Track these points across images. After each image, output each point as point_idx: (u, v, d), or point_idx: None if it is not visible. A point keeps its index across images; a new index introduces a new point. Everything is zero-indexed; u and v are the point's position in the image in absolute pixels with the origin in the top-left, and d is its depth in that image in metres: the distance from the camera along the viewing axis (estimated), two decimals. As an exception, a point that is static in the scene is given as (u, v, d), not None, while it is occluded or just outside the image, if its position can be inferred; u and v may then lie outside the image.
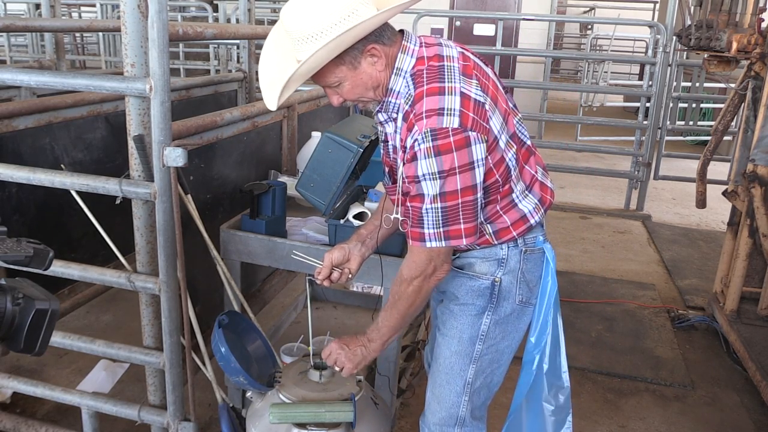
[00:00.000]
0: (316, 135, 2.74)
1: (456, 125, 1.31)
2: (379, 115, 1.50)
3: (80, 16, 9.11)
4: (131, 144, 1.71)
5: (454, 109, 1.32)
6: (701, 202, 3.38)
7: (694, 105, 6.29)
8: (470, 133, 1.32)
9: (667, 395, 2.74)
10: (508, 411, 1.75)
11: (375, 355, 1.58)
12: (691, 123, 6.13)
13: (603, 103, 7.92)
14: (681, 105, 6.17)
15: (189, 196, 1.91)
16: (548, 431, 1.71)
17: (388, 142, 1.54)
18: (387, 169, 1.61)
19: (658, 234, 4.84)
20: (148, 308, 1.88)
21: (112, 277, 1.84)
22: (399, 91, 1.42)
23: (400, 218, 1.50)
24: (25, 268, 0.95)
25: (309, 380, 1.73)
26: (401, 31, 1.44)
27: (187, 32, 1.96)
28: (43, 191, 2.16)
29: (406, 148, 1.38)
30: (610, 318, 3.40)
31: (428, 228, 1.38)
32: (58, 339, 1.92)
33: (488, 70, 1.49)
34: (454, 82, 1.36)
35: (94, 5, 7.44)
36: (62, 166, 2.59)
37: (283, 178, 2.67)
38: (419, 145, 1.33)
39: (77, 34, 8.95)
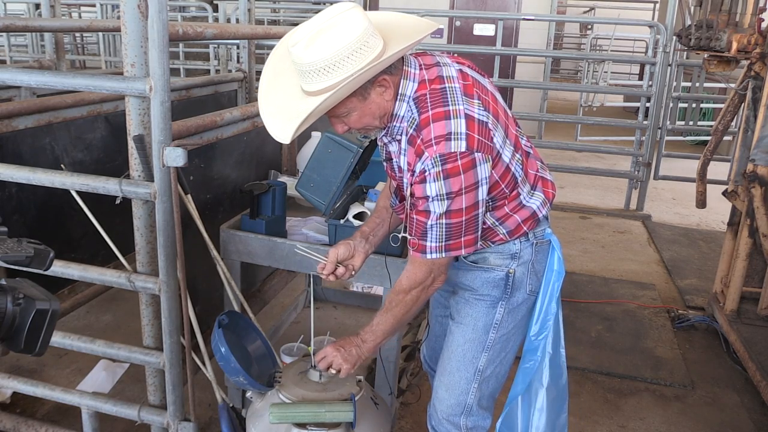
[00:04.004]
0: (316, 135, 2.74)
1: (464, 149, 1.36)
2: (384, 138, 1.54)
3: (80, 16, 9.09)
4: (131, 144, 1.71)
5: (461, 133, 1.37)
6: (701, 202, 3.37)
7: (694, 105, 6.29)
8: (476, 154, 1.37)
9: (667, 395, 2.74)
10: (505, 402, 1.75)
11: (368, 355, 1.62)
12: (691, 123, 6.12)
13: (603, 103, 7.89)
14: (681, 105, 6.16)
15: (189, 196, 1.91)
16: (545, 418, 1.72)
17: (392, 160, 1.58)
18: (394, 187, 1.65)
19: (658, 234, 4.84)
20: (148, 308, 1.88)
21: (112, 277, 1.84)
22: (403, 116, 1.45)
23: (409, 237, 1.53)
24: (25, 268, 0.96)
25: (309, 380, 1.73)
26: None
27: (187, 32, 1.96)
28: (43, 191, 2.16)
29: (414, 171, 1.42)
30: (610, 318, 3.40)
31: (431, 242, 1.43)
32: (58, 339, 1.92)
33: (486, 83, 1.52)
34: (458, 104, 1.39)
35: (94, 5, 7.43)
36: (62, 166, 2.59)
37: (283, 178, 2.67)
38: (429, 169, 1.37)
39: (77, 34, 8.93)
